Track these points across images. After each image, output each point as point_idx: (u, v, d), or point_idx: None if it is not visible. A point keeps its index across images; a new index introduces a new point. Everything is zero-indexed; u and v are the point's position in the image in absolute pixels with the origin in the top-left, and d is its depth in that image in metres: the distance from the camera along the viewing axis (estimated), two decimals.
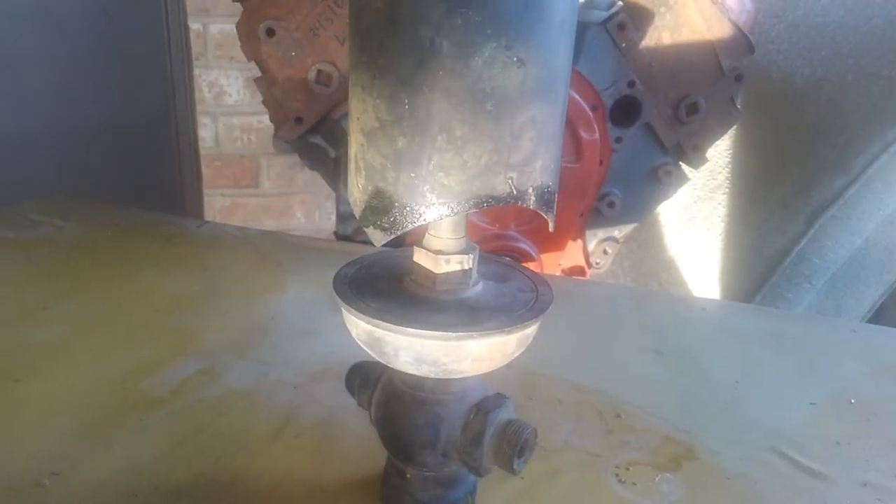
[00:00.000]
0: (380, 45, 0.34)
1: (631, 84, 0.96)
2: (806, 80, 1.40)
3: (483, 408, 0.42)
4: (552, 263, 1.03)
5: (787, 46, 1.54)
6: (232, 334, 0.72)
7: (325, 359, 0.68)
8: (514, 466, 0.41)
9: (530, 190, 0.36)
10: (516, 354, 0.41)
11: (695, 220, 1.35)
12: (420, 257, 0.42)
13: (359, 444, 0.55)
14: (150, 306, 0.76)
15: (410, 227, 0.36)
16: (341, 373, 0.66)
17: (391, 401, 0.45)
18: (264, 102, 0.95)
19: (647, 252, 1.38)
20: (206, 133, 2.07)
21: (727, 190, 1.31)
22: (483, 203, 0.35)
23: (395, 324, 0.37)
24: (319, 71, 0.88)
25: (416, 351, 0.38)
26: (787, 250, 1.17)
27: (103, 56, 2.00)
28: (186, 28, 1.95)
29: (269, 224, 2.20)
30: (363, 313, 0.38)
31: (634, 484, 0.53)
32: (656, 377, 0.68)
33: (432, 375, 0.39)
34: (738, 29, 0.98)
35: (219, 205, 2.15)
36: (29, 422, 0.56)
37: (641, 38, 0.95)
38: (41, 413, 0.57)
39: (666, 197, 1.06)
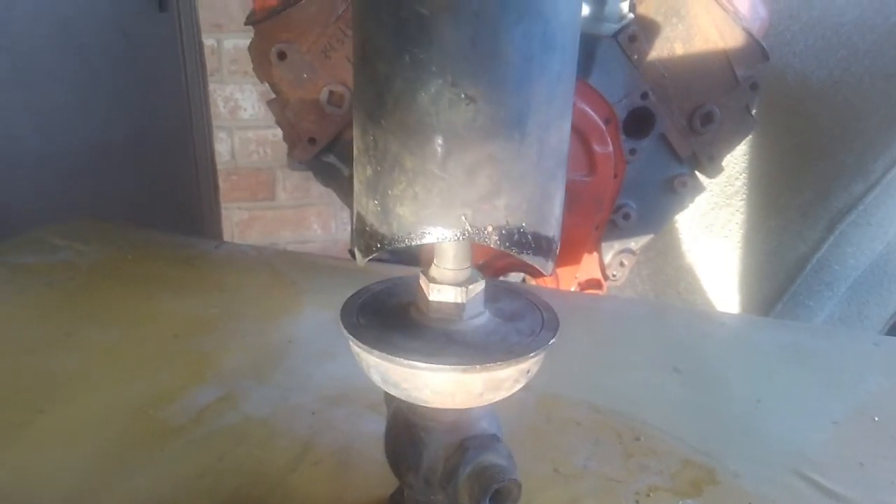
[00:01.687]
0: (356, 79, 0.36)
1: (644, 96, 0.95)
2: (822, 83, 1.38)
3: (466, 444, 0.42)
4: (568, 277, 1.03)
5: (802, 48, 1.52)
6: (249, 358, 0.72)
7: (341, 382, 0.68)
8: None
9: (489, 229, 0.36)
10: (491, 397, 0.40)
11: (712, 227, 1.33)
12: (421, 283, 0.43)
13: (377, 470, 0.55)
14: (170, 331, 0.77)
15: (376, 252, 0.38)
16: (358, 397, 0.67)
17: (393, 417, 0.46)
18: (277, 123, 0.96)
19: (664, 260, 1.37)
20: (222, 147, 2.09)
21: (745, 196, 1.30)
22: (437, 237, 0.36)
23: (365, 344, 0.39)
24: (331, 92, 0.89)
25: (381, 371, 0.40)
26: (808, 257, 1.15)
27: (120, 73, 2.03)
28: (201, 44, 1.97)
29: (287, 236, 2.21)
30: (347, 330, 0.41)
31: None
32: (675, 396, 0.68)
33: (403, 398, 0.40)
34: (752, 36, 0.97)
35: (236, 218, 2.17)
36: (51, 452, 0.57)
37: (653, 49, 0.94)
38: (63, 443, 0.58)
39: (682, 207, 1.06)
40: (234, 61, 2.01)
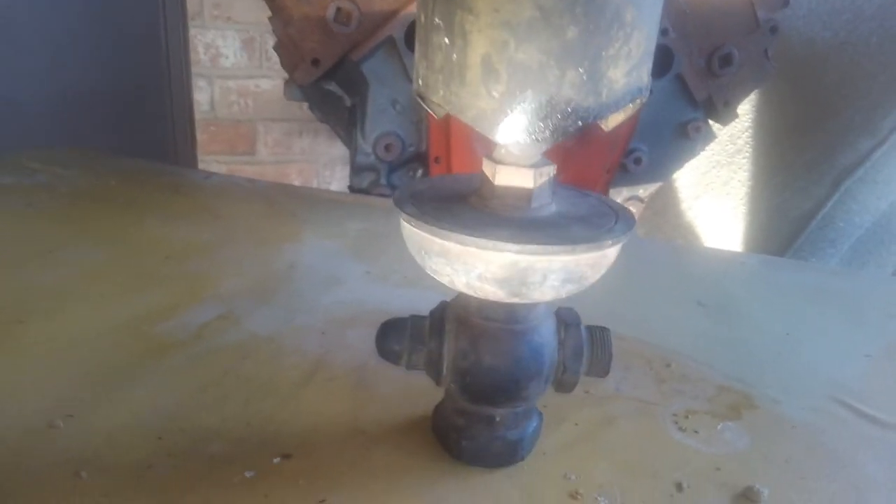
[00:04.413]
0: None
1: (664, 32, 0.92)
2: (827, 44, 1.36)
3: (569, 321, 0.42)
4: None
5: (805, 12, 1.50)
6: (250, 281, 0.67)
7: (351, 307, 0.64)
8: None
9: (648, 79, 0.35)
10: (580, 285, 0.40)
11: (713, 185, 1.31)
12: (485, 168, 0.38)
13: (397, 389, 0.51)
14: (161, 253, 0.71)
15: (574, 131, 0.33)
16: (370, 320, 0.62)
17: (483, 345, 0.40)
18: (277, 45, 0.90)
19: (663, 219, 1.34)
20: (201, 97, 2.01)
21: (748, 154, 1.28)
22: (636, 97, 0.33)
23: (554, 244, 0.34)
24: (339, 9, 0.84)
25: (568, 270, 0.35)
26: (812, 214, 1.13)
27: (95, 17, 1.94)
28: None
29: None
30: (511, 242, 0.34)
31: (696, 432, 0.49)
32: (702, 329, 0.65)
33: (564, 296, 0.37)
34: None
35: (214, 171, 2.09)
36: (36, 364, 0.51)
37: None
38: (49, 355, 0.52)
39: (693, 154, 1.03)
40: (217, 6, 1.92)
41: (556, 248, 0.35)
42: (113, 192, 0.86)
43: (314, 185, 2.18)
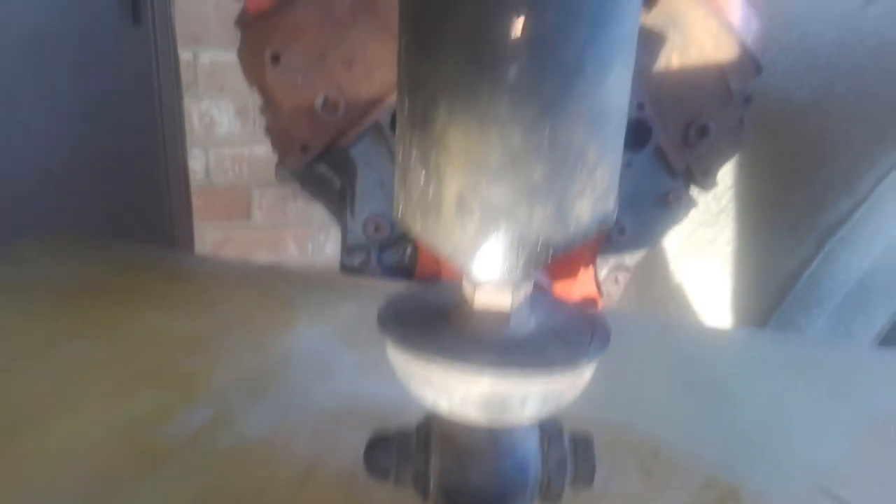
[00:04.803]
0: (520, 68, 0.31)
1: (640, 106, 0.95)
2: (805, 102, 1.40)
3: (551, 433, 0.42)
4: (564, 294, 1.00)
5: (783, 68, 1.54)
6: (243, 376, 0.68)
7: (344, 399, 0.65)
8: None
9: (614, 205, 0.38)
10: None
11: (700, 244, 1.33)
12: (465, 286, 0.40)
13: (390, 495, 0.52)
14: (157, 347, 0.73)
15: (544, 264, 0.35)
16: (363, 414, 0.63)
17: (468, 463, 0.41)
18: (267, 130, 0.93)
19: (652, 280, 1.36)
20: (196, 165, 2.04)
21: (732, 213, 1.30)
22: (601, 225, 0.35)
23: (530, 368, 0.36)
24: (326, 98, 0.86)
25: (546, 393, 0.37)
26: (798, 274, 1.15)
27: (91, 87, 1.98)
28: (177, 58, 1.93)
29: (262, 256, 2.17)
30: (487, 366, 0.36)
31: None
32: (689, 412, 0.66)
33: (544, 415, 0.38)
34: (746, 49, 0.97)
35: (210, 238, 2.12)
36: (29, 477, 0.52)
37: (651, 60, 0.94)
38: (42, 467, 0.53)
39: (676, 222, 1.05)
40: (211, 75, 1.97)
41: (533, 373, 0.36)
42: (110, 283, 0.88)
43: (309, 248, 2.21)
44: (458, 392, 0.37)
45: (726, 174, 1.33)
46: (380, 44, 0.84)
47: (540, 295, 0.45)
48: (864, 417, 0.67)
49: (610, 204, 0.37)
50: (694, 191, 1.06)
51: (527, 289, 0.40)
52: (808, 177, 1.23)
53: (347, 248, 0.96)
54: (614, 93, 0.34)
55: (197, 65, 1.93)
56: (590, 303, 1.06)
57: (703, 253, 1.32)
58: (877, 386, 0.72)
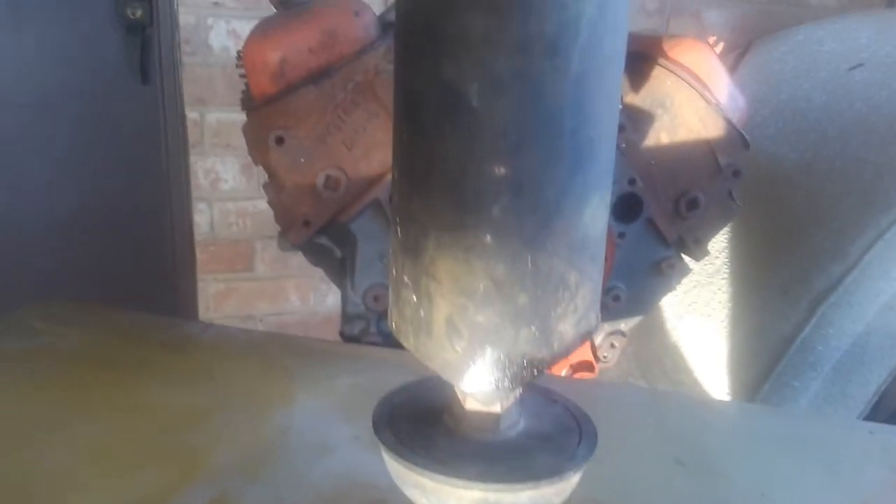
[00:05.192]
0: (503, 207, 0.34)
1: (632, 182, 0.98)
2: (794, 165, 1.44)
3: None
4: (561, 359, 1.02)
5: (773, 131, 1.59)
6: (243, 454, 0.70)
7: (340, 480, 0.66)
8: None
9: (596, 319, 0.41)
10: None
11: (695, 305, 1.35)
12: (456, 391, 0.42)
13: None
14: (159, 423, 0.74)
15: (531, 379, 0.38)
16: (359, 495, 0.64)
17: None
18: (271, 204, 0.96)
19: (649, 338, 1.38)
20: (201, 219, 2.08)
21: (726, 275, 1.33)
22: (586, 338, 0.38)
23: (519, 481, 0.38)
24: (328, 176, 0.90)
25: (534, 500, 0.39)
26: (791, 338, 1.17)
27: (99, 145, 2.03)
28: (184, 117, 1.98)
29: (264, 308, 2.19)
30: (477, 479, 0.38)
31: None
32: (682, 491, 0.67)
33: None
34: (733, 126, 1.01)
35: (213, 290, 2.14)
36: None
37: (641, 138, 0.97)
38: None
39: (670, 289, 1.07)
40: (217, 134, 2.02)
41: (521, 484, 0.38)
42: (114, 354, 0.90)
43: (311, 298, 2.23)
44: (450, 500, 0.39)
45: (720, 236, 1.36)
46: (379, 126, 0.88)
47: (529, 392, 0.47)
48: (854, 493, 0.68)
49: (592, 320, 0.39)
50: (687, 259, 1.09)
51: (515, 394, 0.42)
52: (799, 240, 1.25)
53: (347, 317, 0.98)
54: (592, 223, 0.37)
55: (204, 124, 1.98)
56: (586, 368, 1.08)
57: (699, 314, 1.34)
58: (866, 461, 0.74)
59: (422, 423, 0.44)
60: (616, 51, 0.35)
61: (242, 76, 1.01)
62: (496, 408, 0.42)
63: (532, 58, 0.32)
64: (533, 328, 0.36)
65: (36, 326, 0.95)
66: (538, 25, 0.32)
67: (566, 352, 0.38)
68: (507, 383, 0.38)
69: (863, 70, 1.65)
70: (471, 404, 0.42)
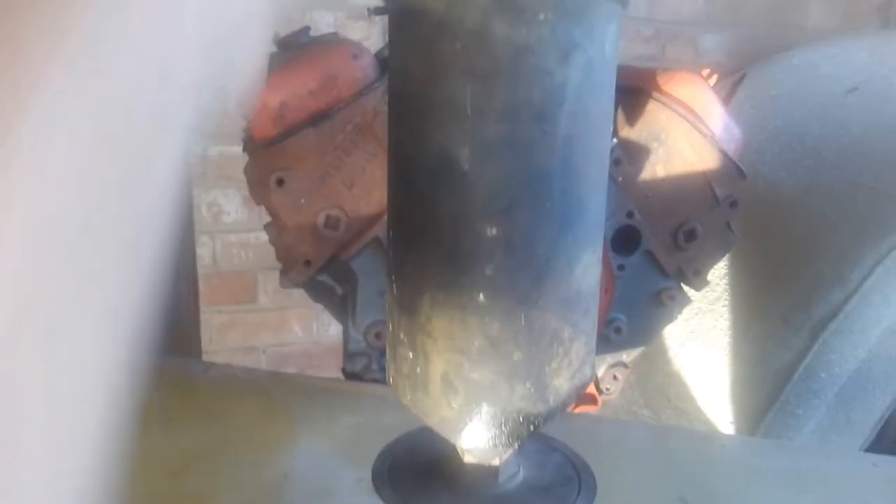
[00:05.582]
0: (496, 266, 0.35)
1: (630, 214, 0.99)
2: (793, 191, 1.45)
3: None
4: None
5: (770, 157, 1.60)
6: (245, 498, 0.70)
7: None
8: None
9: (591, 372, 0.42)
10: None
11: (697, 332, 1.35)
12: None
13: None
14: (162, 467, 0.74)
15: (527, 434, 0.39)
16: None
17: None
18: (272, 243, 0.97)
19: (652, 366, 1.37)
20: (203, 251, 2.09)
21: (727, 302, 1.33)
22: (579, 392, 0.39)
23: None
24: (328, 216, 0.91)
25: None
26: (794, 365, 1.17)
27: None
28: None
29: (267, 339, 2.19)
30: None
31: None
32: None
33: None
34: (728, 158, 1.02)
35: (216, 321, 2.15)
36: None
37: (637, 171, 0.98)
38: None
39: (671, 319, 1.07)
40: (220, 167, 2.04)
41: None
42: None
43: (314, 329, 2.23)
44: None
45: (721, 263, 1.36)
46: (378, 166, 0.89)
47: (529, 442, 0.47)
48: None
49: (587, 373, 0.40)
50: (687, 288, 1.09)
51: (513, 448, 0.43)
52: (799, 267, 1.26)
53: (349, 355, 0.98)
54: (584, 278, 0.37)
55: (207, 158, 2.00)
56: (589, 401, 1.08)
57: (701, 341, 1.34)
58: (870, 495, 0.73)
59: (422, 476, 0.44)
60: (602, 110, 0.36)
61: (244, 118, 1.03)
62: (494, 461, 0.42)
63: (520, 123, 0.33)
64: (528, 384, 0.37)
65: None
66: (525, 93, 0.33)
67: (562, 406, 0.38)
68: (503, 439, 0.38)
69: (859, 94, 1.67)
70: (469, 458, 0.42)
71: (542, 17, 0.32)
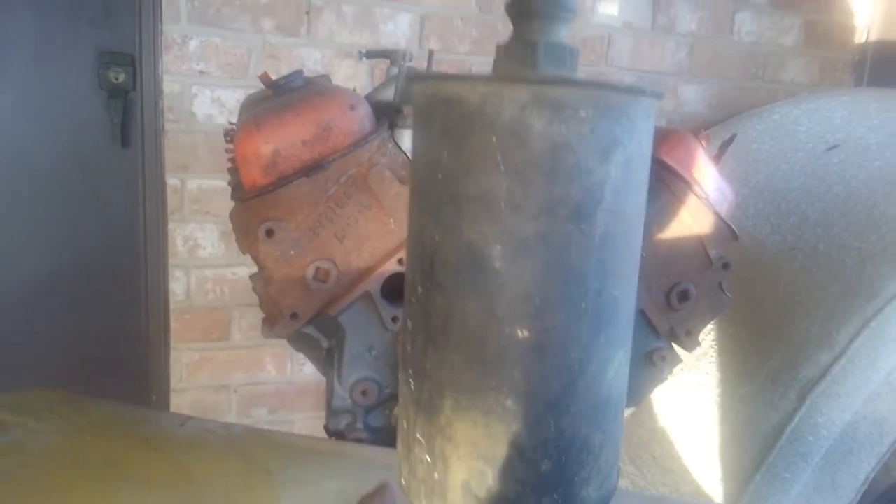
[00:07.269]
0: (525, 369, 0.33)
1: None
2: (777, 248, 1.45)
3: None
4: None
5: (753, 212, 1.61)
6: None
7: None
8: None
9: (616, 477, 0.41)
10: None
11: (683, 388, 1.34)
12: None
13: None
14: None
15: None
16: None
17: None
18: (257, 294, 0.93)
19: (637, 423, 1.35)
20: (177, 286, 2.04)
21: (713, 358, 1.32)
22: (606, 502, 0.37)
23: None
24: (318, 268, 0.88)
25: None
26: (782, 427, 1.16)
27: (75, 207, 2.00)
28: (164, 183, 1.96)
29: (239, 378, 2.13)
30: None
31: None
32: None
33: None
34: (722, 219, 1.01)
35: (186, 359, 2.09)
36: None
37: None
38: None
39: (662, 380, 1.06)
40: (197, 201, 2.00)
41: None
42: (86, 451, 0.85)
43: (288, 368, 2.18)
44: None
45: None
46: (371, 218, 0.87)
47: None
48: None
49: (614, 479, 0.37)
50: (677, 348, 1.08)
51: None
52: (786, 326, 1.25)
53: (333, 411, 0.95)
54: (616, 381, 0.35)
55: (184, 190, 1.96)
56: None
57: (688, 398, 1.32)
58: None
59: None
60: (638, 208, 0.34)
61: (231, 161, 1.00)
62: None
63: (557, 221, 0.31)
64: (556, 496, 0.34)
65: (5, 419, 0.90)
66: (563, 190, 0.31)
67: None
68: None
69: (839, 151, 1.69)
70: None
71: (583, 114, 0.31)
